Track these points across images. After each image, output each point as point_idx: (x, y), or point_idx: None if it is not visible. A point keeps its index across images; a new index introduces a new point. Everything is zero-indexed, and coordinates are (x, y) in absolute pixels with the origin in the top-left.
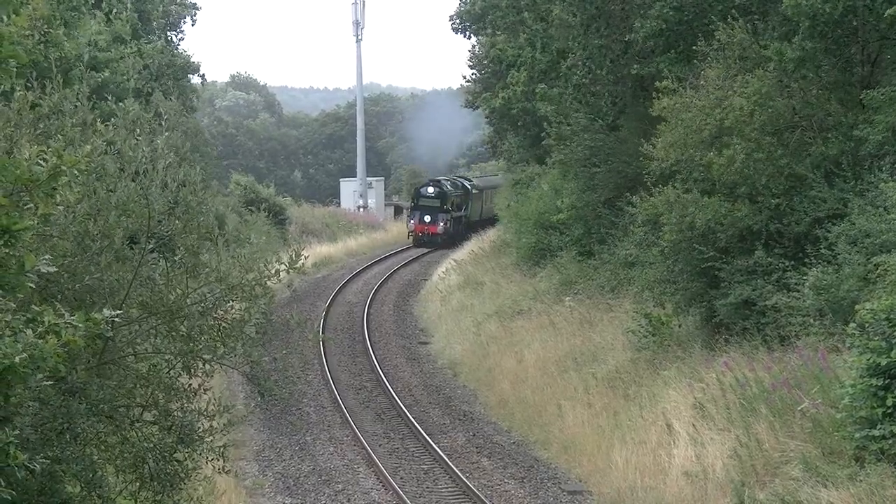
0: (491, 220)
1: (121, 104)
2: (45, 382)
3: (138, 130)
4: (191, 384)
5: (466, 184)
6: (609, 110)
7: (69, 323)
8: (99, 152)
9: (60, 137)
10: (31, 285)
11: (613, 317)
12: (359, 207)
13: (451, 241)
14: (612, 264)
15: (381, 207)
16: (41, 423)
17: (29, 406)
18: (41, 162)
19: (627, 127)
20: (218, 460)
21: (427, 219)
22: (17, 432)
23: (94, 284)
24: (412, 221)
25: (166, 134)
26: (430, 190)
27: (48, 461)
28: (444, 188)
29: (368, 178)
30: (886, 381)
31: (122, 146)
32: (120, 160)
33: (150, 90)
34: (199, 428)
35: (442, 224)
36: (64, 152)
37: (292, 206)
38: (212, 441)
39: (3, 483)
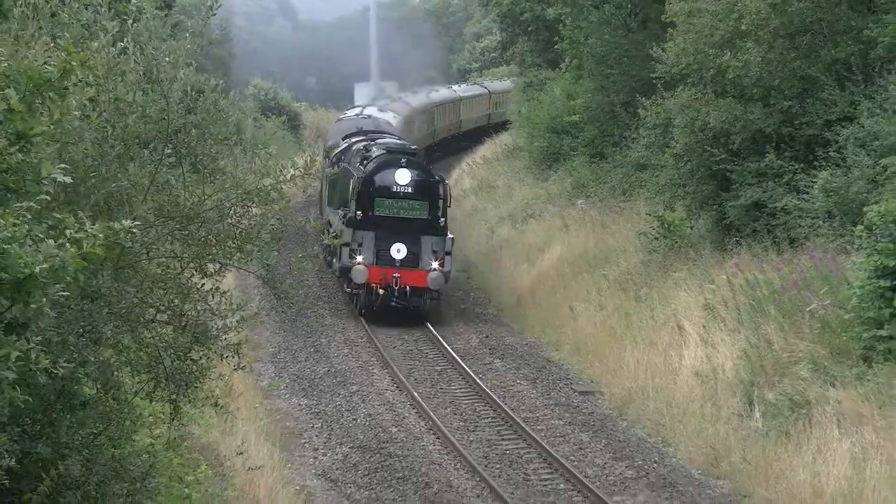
0: None
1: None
2: (63, 292)
3: (162, 31)
4: (204, 284)
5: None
6: (629, 17)
7: (90, 233)
8: (113, 54)
9: (68, 35)
10: (46, 196)
11: (625, 219)
12: None
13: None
14: (624, 167)
15: None
16: (61, 326)
17: (48, 312)
18: (50, 64)
19: (642, 30)
20: (233, 357)
21: (398, 251)
22: (39, 338)
23: (112, 189)
24: (358, 258)
25: (187, 40)
26: (403, 176)
27: (72, 364)
28: (425, 170)
29: (382, 83)
30: (894, 283)
31: (145, 49)
32: (140, 65)
33: None
34: (213, 327)
35: (436, 265)
36: (73, 49)
37: (307, 111)
38: (226, 339)
39: (19, 390)
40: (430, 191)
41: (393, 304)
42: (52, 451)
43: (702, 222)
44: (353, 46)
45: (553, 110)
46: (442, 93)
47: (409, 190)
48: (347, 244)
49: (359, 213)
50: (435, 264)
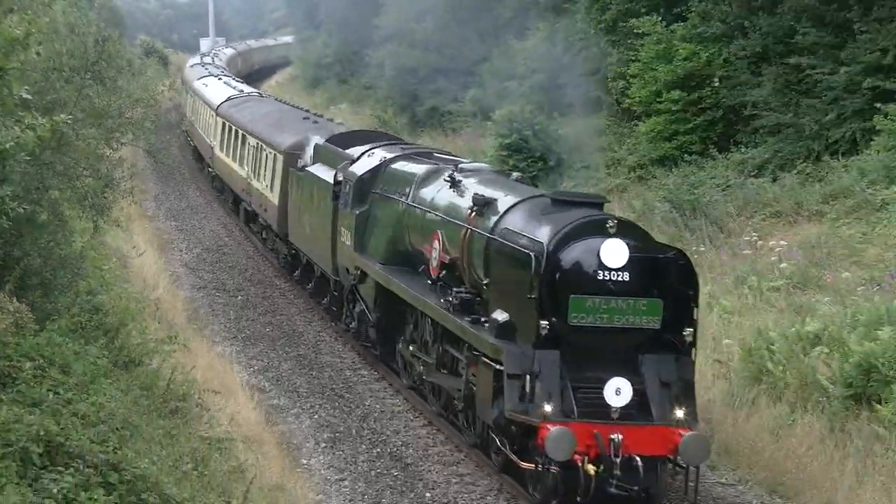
0: None
1: None
2: (26, 158)
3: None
4: (111, 154)
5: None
6: None
7: (41, 123)
8: (54, 20)
9: (30, 12)
10: (15, 103)
11: (361, 117)
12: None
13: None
14: (358, 88)
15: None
16: (25, 180)
17: (17, 172)
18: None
19: None
20: (129, 196)
21: (618, 392)
22: (11, 189)
23: (54, 99)
24: (547, 408)
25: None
26: (616, 253)
27: (31, 205)
28: (644, 238)
29: (216, 38)
30: (510, 153)
31: (70, 17)
32: (68, 26)
33: None
34: (117, 178)
35: (682, 414)
36: (33, 20)
37: (172, 55)
38: (125, 186)
39: (3, 218)
40: (663, 277)
41: (613, 490)
42: (21, 253)
43: (403, 118)
44: (201, 15)
45: (317, 53)
46: (258, 43)
47: (627, 278)
48: (518, 377)
49: (543, 323)
50: (680, 413)
